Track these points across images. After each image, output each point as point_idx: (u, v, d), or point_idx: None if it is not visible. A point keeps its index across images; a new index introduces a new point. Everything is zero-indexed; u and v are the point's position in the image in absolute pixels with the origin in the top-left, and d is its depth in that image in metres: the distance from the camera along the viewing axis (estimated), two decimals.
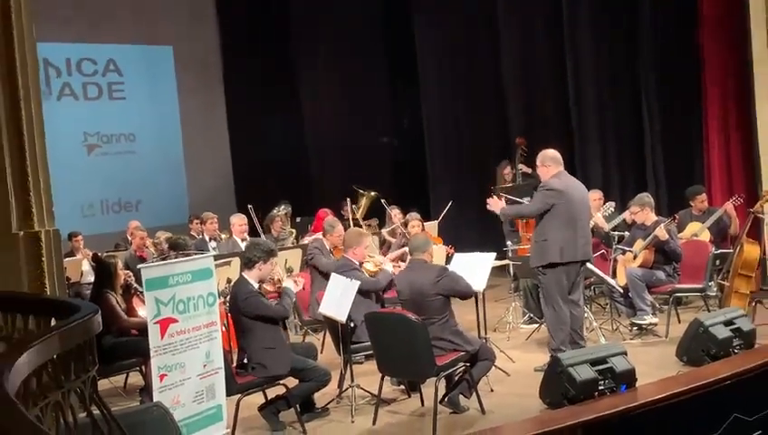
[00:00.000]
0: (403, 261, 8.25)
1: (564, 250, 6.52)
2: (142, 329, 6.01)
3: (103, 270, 6.76)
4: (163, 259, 5.86)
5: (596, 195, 9.13)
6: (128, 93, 13.69)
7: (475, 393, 5.81)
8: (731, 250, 7.99)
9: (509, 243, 8.98)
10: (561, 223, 6.52)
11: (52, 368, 2.63)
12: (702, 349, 6.22)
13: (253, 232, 9.85)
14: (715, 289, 7.99)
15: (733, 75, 9.75)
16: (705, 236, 8.56)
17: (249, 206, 10.12)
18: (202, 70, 14.25)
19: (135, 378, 7.01)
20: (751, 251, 7.57)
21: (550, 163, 6.69)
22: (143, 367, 6.43)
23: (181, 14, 14.01)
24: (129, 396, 6.82)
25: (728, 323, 6.30)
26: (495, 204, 6.95)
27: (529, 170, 10.04)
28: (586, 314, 7.60)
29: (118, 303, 6.55)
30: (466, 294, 6.07)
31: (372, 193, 12.54)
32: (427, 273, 5.88)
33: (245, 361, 5.74)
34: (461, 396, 5.84)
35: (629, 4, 10.92)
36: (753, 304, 7.53)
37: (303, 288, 6.76)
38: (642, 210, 8.04)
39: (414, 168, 14.30)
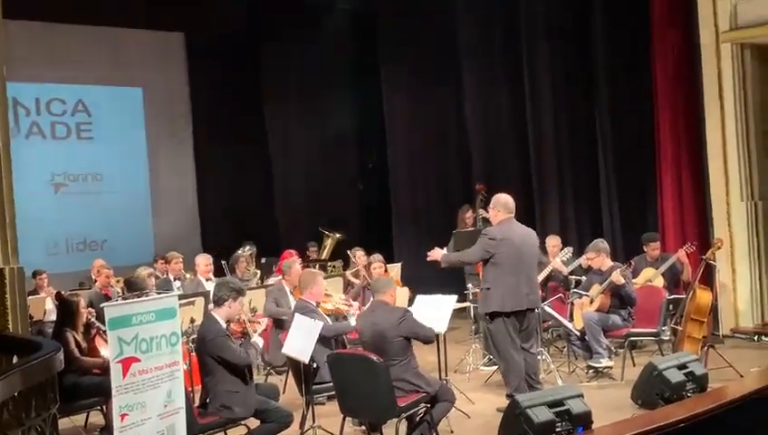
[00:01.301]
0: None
1: (506, 299, 6.57)
2: (104, 368, 5.91)
3: (65, 308, 6.65)
4: (125, 298, 5.79)
5: (554, 241, 9.24)
6: (96, 133, 13.63)
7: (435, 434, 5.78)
8: (684, 296, 8.10)
9: (470, 286, 9.01)
10: (502, 272, 6.58)
11: (13, 405, 2.58)
12: (656, 392, 6.27)
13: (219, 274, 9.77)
14: (669, 333, 8.06)
15: (685, 127, 9.94)
16: (659, 281, 8.67)
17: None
18: (171, 112, 14.25)
19: (96, 417, 6.87)
20: (703, 297, 7.69)
21: (500, 209, 6.79)
22: (104, 406, 6.32)
23: (152, 57, 14.03)
24: None
25: (681, 366, 6.36)
26: (435, 253, 7.06)
27: (489, 215, 10.12)
28: (543, 357, 7.65)
29: (77, 342, 6.44)
30: (427, 338, 6.03)
31: (337, 235, 12.54)
32: (389, 315, 5.87)
33: (208, 400, 5.67)
34: None
35: (585, 55, 11.15)
36: (706, 348, 7.61)
37: (266, 329, 6.71)
38: (598, 256, 8.14)
39: (379, 210, 14.34)
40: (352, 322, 6.85)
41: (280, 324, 7.76)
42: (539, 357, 7.20)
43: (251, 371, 5.84)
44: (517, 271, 6.59)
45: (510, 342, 6.62)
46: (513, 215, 6.80)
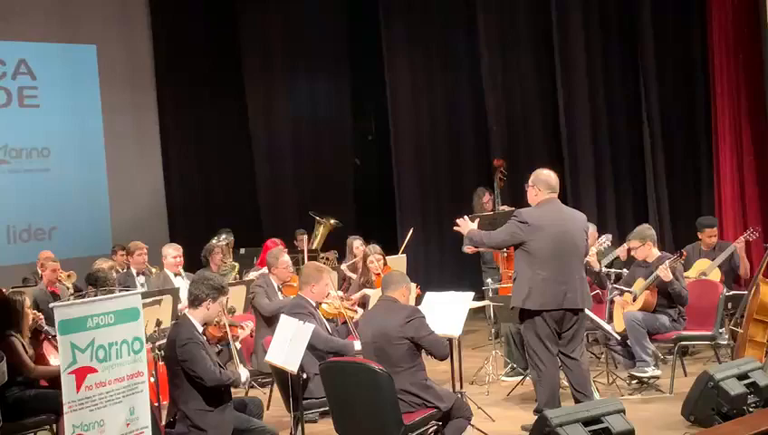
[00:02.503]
0: (363, 306, 8.21)
1: (534, 295, 6.47)
2: (54, 380, 5.91)
3: (8, 309, 6.63)
4: (80, 296, 5.78)
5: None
6: (42, 100, 13.57)
7: None
8: (745, 292, 8.09)
9: (488, 281, 9.00)
10: (533, 262, 6.48)
11: None
12: (712, 407, 6.28)
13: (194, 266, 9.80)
14: (727, 337, 8.06)
15: (747, 94, 9.94)
16: (716, 275, 8.66)
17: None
18: (131, 74, 14.18)
19: None
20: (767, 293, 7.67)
21: (541, 187, 6.66)
22: (55, 425, 6.32)
23: (108, 9, 13.95)
24: None
25: (742, 376, 6.36)
26: (464, 225, 6.90)
27: (511, 209, 9.98)
28: None
29: (25, 348, 6.44)
30: (439, 352, 5.99)
31: (332, 221, 12.52)
32: (396, 313, 5.87)
33: (176, 418, 5.66)
34: None
35: (629, 17, 11.13)
36: None
37: (251, 335, 6.71)
38: (643, 245, 8.10)
39: (379, 192, 14.31)
40: (357, 345, 6.70)
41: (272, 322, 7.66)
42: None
43: (228, 387, 5.83)
44: (553, 263, 6.48)
45: (541, 347, 6.57)
46: (556, 194, 6.71)
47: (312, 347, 6.22)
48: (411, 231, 10.31)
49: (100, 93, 13.96)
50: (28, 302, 6.75)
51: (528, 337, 6.65)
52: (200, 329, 5.75)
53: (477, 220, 7.05)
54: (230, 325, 6.13)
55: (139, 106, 14.21)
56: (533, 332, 6.57)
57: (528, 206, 6.78)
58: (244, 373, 5.89)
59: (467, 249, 9.14)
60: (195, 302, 5.80)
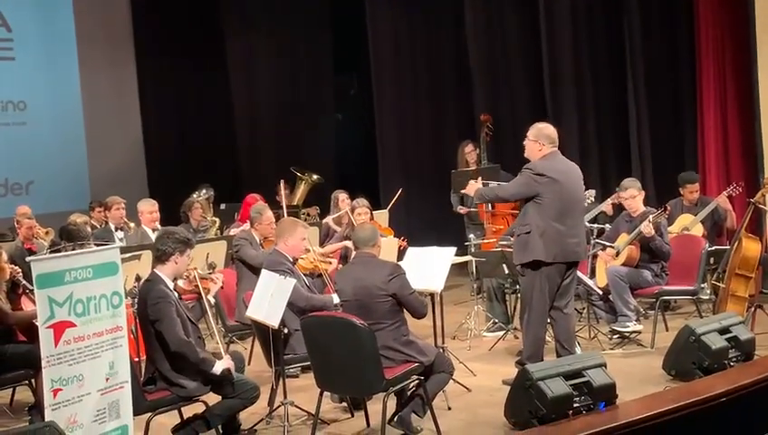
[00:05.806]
0: (345, 259, 8.19)
1: (549, 248, 6.49)
2: (33, 334, 5.88)
3: None
4: (56, 250, 5.72)
5: None
6: (17, 53, 13.43)
7: (429, 412, 5.81)
8: (727, 247, 8.12)
9: (471, 236, 9.01)
10: (547, 215, 6.49)
11: None
12: (693, 361, 6.33)
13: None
14: (709, 292, 8.12)
15: (732, 47, 9.92)
16: (698, 230, 8.69)
17: None
18: (109, 27, 14.06)
19: (23, 393, 6.89)
20: (750, 248, 7.70)
21: (544, 141, 6.65)
22: (33, 380, 6.31)
23: None
24: (17, 415, 6.70)
25: (723, 330, 6.41)
26: (471, 187, 6.97)
27: (495, 166, 9.96)
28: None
29: (1, 301, 6.42)
30: (417, 309, 5.96)
31: (314, 177, 12.48)
32: (377, 270, 5.84)
33: (154, 374, 5.63)
34: (413, 415, 5.84)
35: None
36: (753, 309, 7.66)
37: (223, 287, 6.61)
38: (640, 194, 8.11)
39: (361, 147, 14.27)
40: (336, 298, 6.62)
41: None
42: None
43: (203, 346, 5.76)
44: (564, 216, 6.52)
45: (539, 298, 6.58)
46: (557, 147, 6.70)
47: (291, 305, 6.19)
48: (400, 191, 10.28)
49: (77, 46, 13.84)
50: (5, 257, 6.71)
51: (529, 286, 6.65)
52: (171, 285, 5.69)
53: (480, 178, 7.10)
54: (201, 278, 6.07)
55: (118, 60, 14.10)
56: (538, 282, 6.58)
57: (514, 160, 6.79)
58: (221, 365, 5.56)
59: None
60: (162, 257, 5.72)
